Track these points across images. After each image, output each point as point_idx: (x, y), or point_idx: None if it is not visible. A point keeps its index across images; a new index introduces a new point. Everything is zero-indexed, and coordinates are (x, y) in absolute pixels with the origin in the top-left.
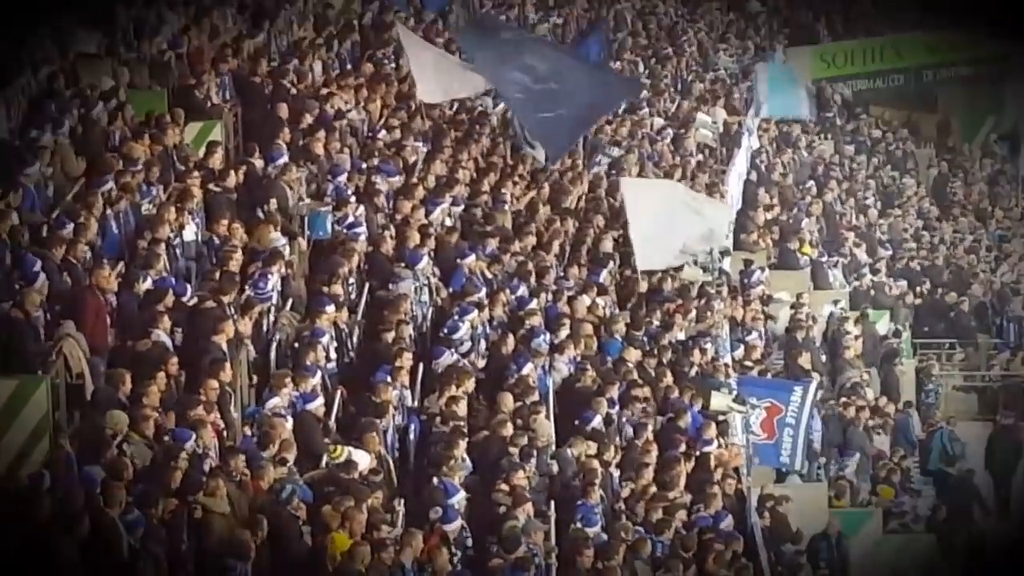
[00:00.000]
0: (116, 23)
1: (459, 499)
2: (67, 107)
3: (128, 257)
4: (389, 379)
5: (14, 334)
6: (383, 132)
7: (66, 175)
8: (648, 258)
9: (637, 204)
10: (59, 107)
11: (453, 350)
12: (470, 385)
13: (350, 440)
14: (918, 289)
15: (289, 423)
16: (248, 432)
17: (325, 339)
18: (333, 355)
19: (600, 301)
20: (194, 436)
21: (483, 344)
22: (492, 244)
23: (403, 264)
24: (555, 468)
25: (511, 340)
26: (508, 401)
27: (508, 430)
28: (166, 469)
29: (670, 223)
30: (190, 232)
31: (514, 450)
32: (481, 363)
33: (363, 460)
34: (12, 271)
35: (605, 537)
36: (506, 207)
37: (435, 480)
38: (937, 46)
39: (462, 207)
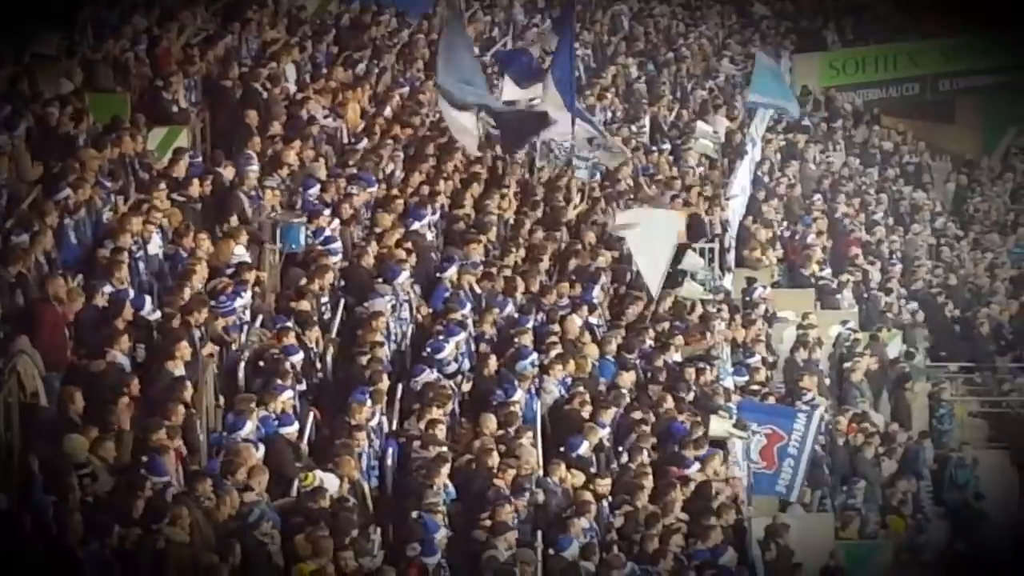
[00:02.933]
0: (77, 23)
1: (440, 535)
2: (24, 110)
3: (86, 269)
4: (369, 400)
5: None
6: (361, 140)
7: (21, 179)
8: (655, 283)
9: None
10: (15, 109)
11: (434, 369)
12: (449, 406)
13: (323, 464)
14: (933, 310)
15: (259, 449)
16: (213, 457)
17: (296, 358)
18: (301, 376)
19: (592, 320)
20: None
21: (467, 364)
22: (477, 254)
23: (381, 279)
24: (540, 497)
25: (494, 361)
26: (491, 424)
27: (493, 459)
28: (128, 498)
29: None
30: (154, 245)
31: (499, 482)
32: (467, 386)
33: (332, 484)
34: None
35: (593, 568)
36: (492, 218)
37: (414, 515)
38: (955, 53)
39: (444, 219)
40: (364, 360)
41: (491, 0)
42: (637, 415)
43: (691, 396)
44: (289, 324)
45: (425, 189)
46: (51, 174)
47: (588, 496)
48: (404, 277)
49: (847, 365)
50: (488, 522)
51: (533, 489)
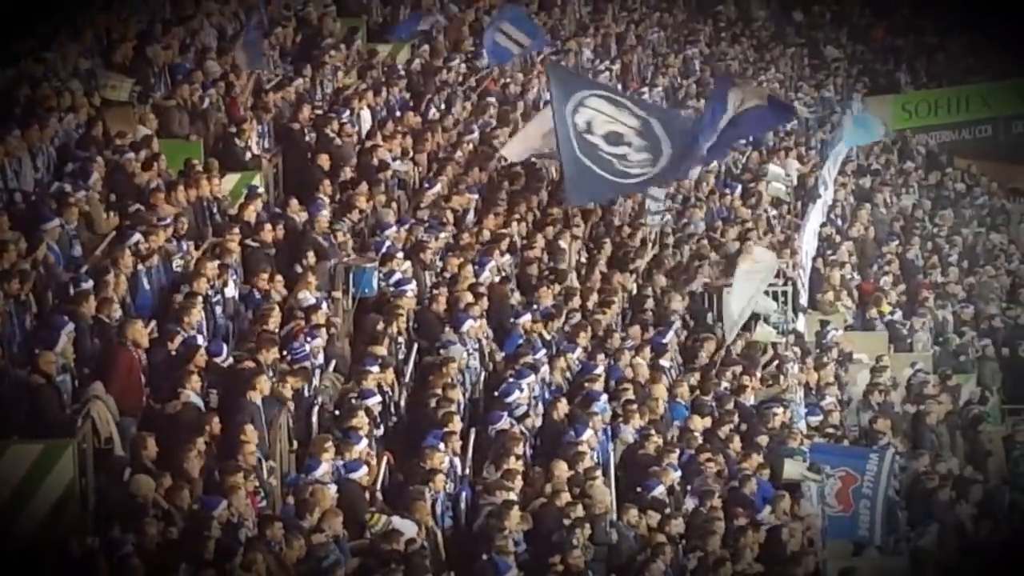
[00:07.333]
0: (150, 68)
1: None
2: (96, 157)
3: (161, 315)
4: (442, 445)
5: (37, 399)
6: (433, 185)
7: (93, 231)
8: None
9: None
10: (88, 157)
11: (507, 414)
12: (520, 450)
13: (397, 509)
14: (1006, 351)
15: (333, 490)
16: (289, 501)
17: (373, 401)
18: (379, 419)
19: (664, 363)
20: (225, 504)
21: (540, 407)
22: (548, 301)
23: (451, 327)
24: (614, 537)
25: (564, 404)
26: (563, 468)
27: (563, 499)
28: (197, 540)
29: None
30: (231, 289)
31: (568, 522)
32: (537, 421)
33: (408, 529)
34: (34, 334)
35: None
36: (564, 264)
37: (485, 556)
38: None
39: (515, 263)
40: (434, 403)
41: (562, 47)
42: (707, 459)
43: (765, 440)
44: (373, 369)
45: (497, 233)
46: (124, 221)
47: (663, 538)
48: (470, 325)
49: (921, 408)
50: (560, 566)
51: (607, 529)
